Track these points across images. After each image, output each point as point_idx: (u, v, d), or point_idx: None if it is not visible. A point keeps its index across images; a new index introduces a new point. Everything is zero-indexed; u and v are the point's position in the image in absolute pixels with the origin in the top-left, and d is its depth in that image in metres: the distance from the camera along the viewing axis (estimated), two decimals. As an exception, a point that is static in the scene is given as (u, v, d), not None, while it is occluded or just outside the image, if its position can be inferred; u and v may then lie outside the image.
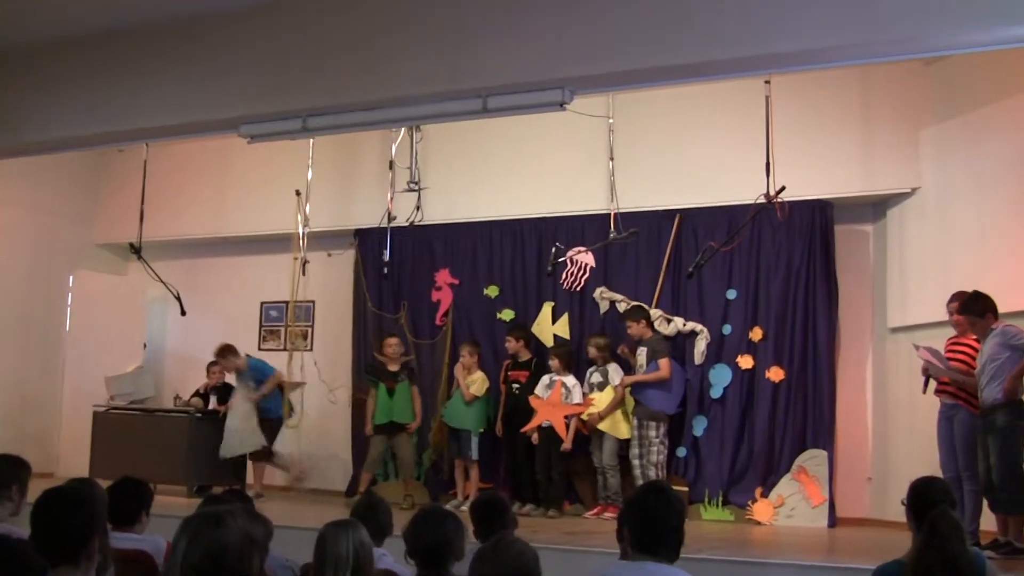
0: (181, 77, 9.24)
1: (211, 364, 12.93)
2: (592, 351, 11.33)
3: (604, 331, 11.64)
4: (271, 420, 12.39)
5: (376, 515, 5.23)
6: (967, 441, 8.50)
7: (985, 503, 8.33)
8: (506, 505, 5.40)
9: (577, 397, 11.24)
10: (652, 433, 10.85)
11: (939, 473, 8.43)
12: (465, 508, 8.51)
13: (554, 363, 11.42)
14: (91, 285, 14.33)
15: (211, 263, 14.56)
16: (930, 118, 10.54)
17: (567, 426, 11.18)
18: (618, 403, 11.13)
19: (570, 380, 11.31)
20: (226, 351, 12.45)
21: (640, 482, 10.44)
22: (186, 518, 3.38)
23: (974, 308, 8.43)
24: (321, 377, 13.36)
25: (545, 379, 11.41)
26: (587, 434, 11.33)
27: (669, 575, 3.90)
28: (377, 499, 5.73)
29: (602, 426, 11.10)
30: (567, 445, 11.14)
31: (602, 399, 11.17)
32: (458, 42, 8.09)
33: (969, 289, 8.72)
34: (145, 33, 9.39)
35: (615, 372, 11.25)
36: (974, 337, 8.67)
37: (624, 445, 11.07)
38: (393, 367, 11.95)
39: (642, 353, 11.11)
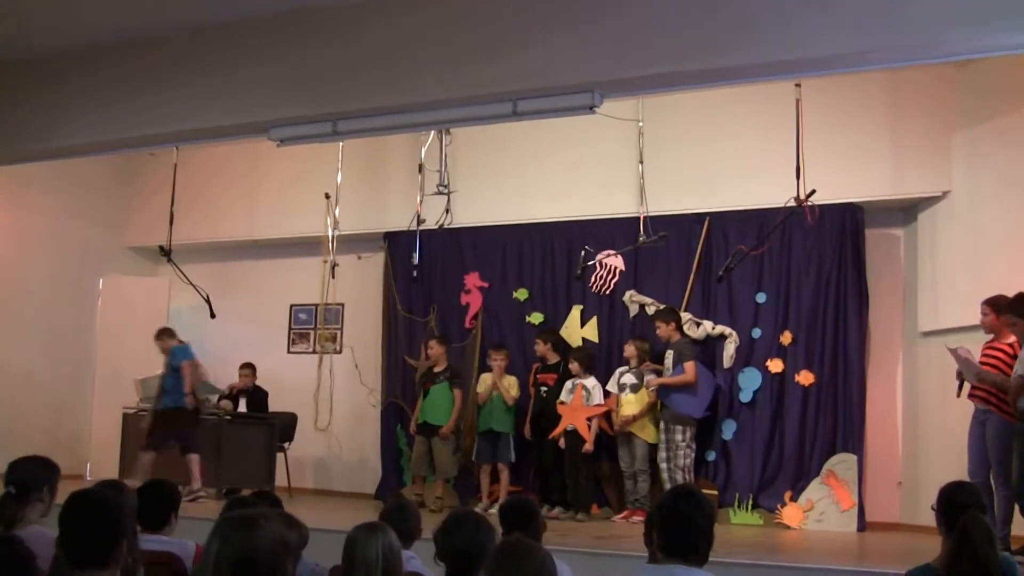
0: (211, 82, 9.26)
1: (241, 367, 13.00)
2: (630, 349, 11.28)
3: (634, 335, 11.60)
4: (174, 410, 11.95)
5: (405, 518, 5.22)
6: (1000, 446, 8.43)
7: (1017, 508, 8.27)
8: (535, 509, 5.38)
9: (597, 398, 11.26)
10: (679, 437, 10.83)
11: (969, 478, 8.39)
12: (493, 511, 8.50)
13: (574, 367, 11.41)
14: (120, 288, 14.39)
15: (241, 266, 14.62)
16: (962, 121, 10.48)
17: (589, 427, 11.20)
18: (652, 406, 11.11)
19: (590, 382, 11.33)
20: (162, 333, 12.40)
21: (668, 486, 10.42)
22: (219, 520, 3.37)
23: (1018, 309, 8.37)
24: (362, 381, 13.42)
25: (568, 384, 11.44)
26: (612, 435, 11.34)
27: (698, 579, 3.89)
28: (406, 502, 5.73)
29: (632, 428, 11.09)
30: (588, 446, 11.16)
31: (635, 401, 11.14)
32: (488, 46, 8.07)
33: (1001, 293, 8.68)
34: (176, 39, 9.42)
35: (649, 375, 11.21)
36: (1008, 342, 8.62)
37: (654, 449, 11.04)
38: (437, 368, 12.02)
39: (669, 356, 11.10)
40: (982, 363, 8.74)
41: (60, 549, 3.86)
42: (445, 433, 11.77)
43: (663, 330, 11.15)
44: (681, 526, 3.97)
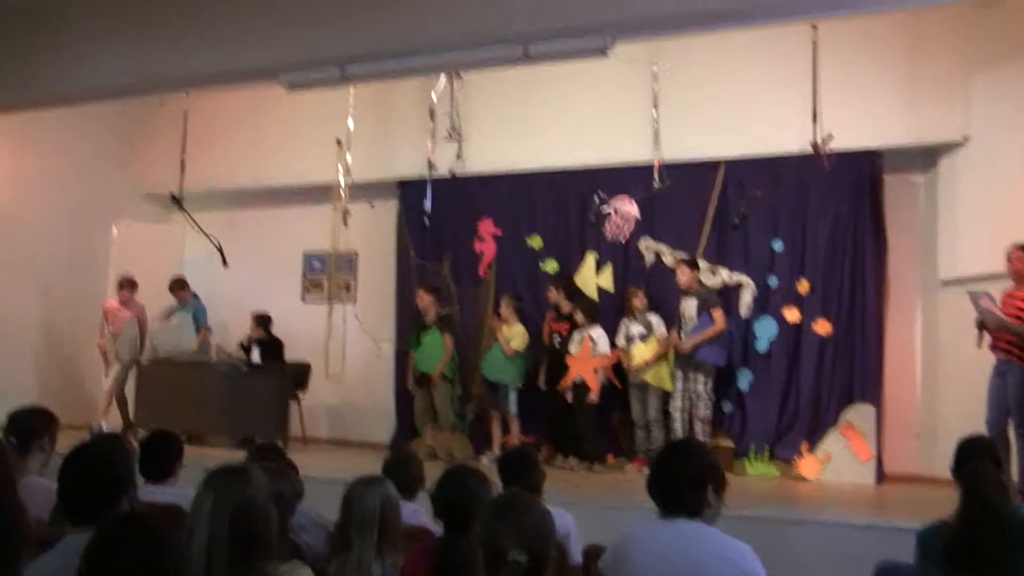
0: (221, 25, 9.16)
1: (255, 316, 12.95)
2: (637, 302, 11.14)
3: (649, 282, 11.51)
4: None
5: (406, 470, 5.16)
6: (1020, 398, 8.31)
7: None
8: (534, 460, 5.28)
9: (603, 347, 11.13)
10: (700, 387, 10.71)
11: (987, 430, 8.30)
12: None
13: (579, 317, 11.28)
14: (134, 235, 14.29)
15: (253, 214, 14.50)
16: (982, 64, 10.27)
17: (596, 378, 11.10)
18: (662, 354, 10.97)
19: (595, 331, 11.20)
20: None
21: (682, 436, 10.33)
22: (209, 473, 3.34)
23: None
24: (364, 329, 13.31)
25: (576, 336, 11.29)
26: (620, 387, 11.23)
27: (701, 533, 3.76)
28: (408, 453, 5.67)
29: (648, 377, 10.97)
30: (593, 396, 11.03)
31: (645, 351, 11.01)
32: (498, -13, 7.95)
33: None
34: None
35: (659, 323, 11.08)
36: (1026, 290, 8.50)
37: (666, 398, 10.94)
38: (428, 318, 11.94)
39: (691, 305, 10.92)
40: (1003, 311, 8.60)
41: (60, 504, 3.86)
42: (435, 377, 11.73)
43: (686, 277, 10.93)
44: (678, 479, 3.85)
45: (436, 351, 11.79)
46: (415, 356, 11.95)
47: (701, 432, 10.54)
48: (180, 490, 5.32)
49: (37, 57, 10.22)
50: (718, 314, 10.76)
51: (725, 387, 11.19)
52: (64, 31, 10.08)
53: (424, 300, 11.97)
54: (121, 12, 9.71)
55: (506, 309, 11.63)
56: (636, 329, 11.11)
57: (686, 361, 10.82)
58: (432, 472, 5.31)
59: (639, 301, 11.13)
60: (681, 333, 10.88)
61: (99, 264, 14.19)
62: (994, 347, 8.68)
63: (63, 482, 3.90)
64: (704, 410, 10.69)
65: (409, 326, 12.72)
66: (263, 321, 13.00)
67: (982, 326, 8.70)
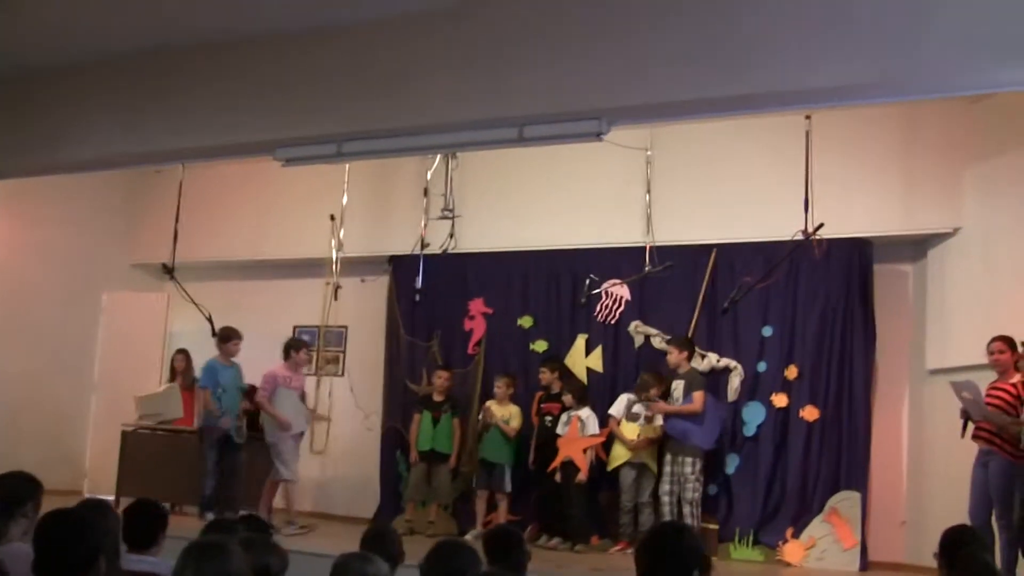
0: (217, 99, 9.22)
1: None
2: (654, 392, 11.00)
3: (639, 365, 11.52)
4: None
5: (385, 544, 5.14)
6: (1002, 489, 8.32)
7: (1021, 552, 8.14)
8: (519, 539, 5.26)
9: (592, 428, 11.14)
10: (688, 469, 10.67)
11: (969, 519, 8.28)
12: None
13: (567, 399, 11.33)
14: (122, 305, 14.31)
15: (245, 286, 14.46)
16: (974, 157, 10.37)
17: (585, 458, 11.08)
18: (658, 438, 10.99)
19: (584, 412, 11.21)
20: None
21: (669, 519, 10.29)
22: (188, 546, 3.34)
23: None
24: (357, 404, 13.30)
25: (563, 416, 11.31)
26: (609, 469, 11.22)
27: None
28: (386, 527, 5.65)
29: (645, 457, 11.00)
30: (582, 476, 11.03)
31: (648, 431, 11.02)
32: (495, 70, 8.01)
33: (1012, 332, 8.57)
34: (182, 55, 9.39)
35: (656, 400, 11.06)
36: (1012, 381, 8.53)
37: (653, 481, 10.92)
38: (438, 398, 11.97)
39: (678, 386, 10.97)
40: (987, 402, 8.63)
41: (34, 570, 3.82)
42: (454, 460, 11.86)
43: (675, 357, 11.02)
44: (665, 564, 3.83)
45: (451, 432, 11.89)
46: (423, 433, 11.92)
47: (690, 515, 10.48)
48: (162, 560, 5.28)
49: (33, 126, 10.25)
50: (697, 395, 10.76)
51: (712, 470, 11.15)
52: (61, 102, 10.14)
53: (448, 383, 12.06)
54: (119, 84, 9.77)
55: (506, 389, 11.69)
56: (639, 408, 11.07)
57: (675, 444, 10.81)
58: (411, 547, 5.31)
59: (656, 391, 11.02)
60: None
61: (88, 331, 14.21)
62: (976, 436, 8.70)
63: (39, 547, 3.90)
64: (692, 493, 10.63)
65: (400, 401, 12.74)
66: (249, 393, 12.93)
67: (966, 416, 8.73)
